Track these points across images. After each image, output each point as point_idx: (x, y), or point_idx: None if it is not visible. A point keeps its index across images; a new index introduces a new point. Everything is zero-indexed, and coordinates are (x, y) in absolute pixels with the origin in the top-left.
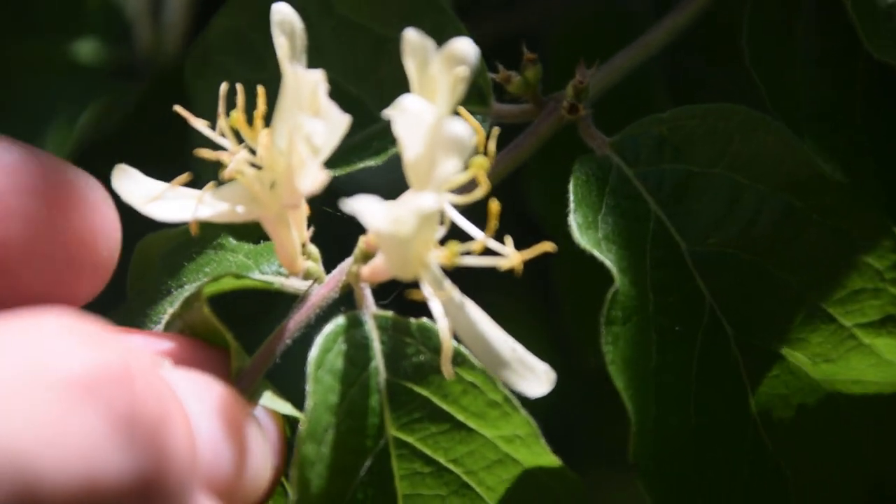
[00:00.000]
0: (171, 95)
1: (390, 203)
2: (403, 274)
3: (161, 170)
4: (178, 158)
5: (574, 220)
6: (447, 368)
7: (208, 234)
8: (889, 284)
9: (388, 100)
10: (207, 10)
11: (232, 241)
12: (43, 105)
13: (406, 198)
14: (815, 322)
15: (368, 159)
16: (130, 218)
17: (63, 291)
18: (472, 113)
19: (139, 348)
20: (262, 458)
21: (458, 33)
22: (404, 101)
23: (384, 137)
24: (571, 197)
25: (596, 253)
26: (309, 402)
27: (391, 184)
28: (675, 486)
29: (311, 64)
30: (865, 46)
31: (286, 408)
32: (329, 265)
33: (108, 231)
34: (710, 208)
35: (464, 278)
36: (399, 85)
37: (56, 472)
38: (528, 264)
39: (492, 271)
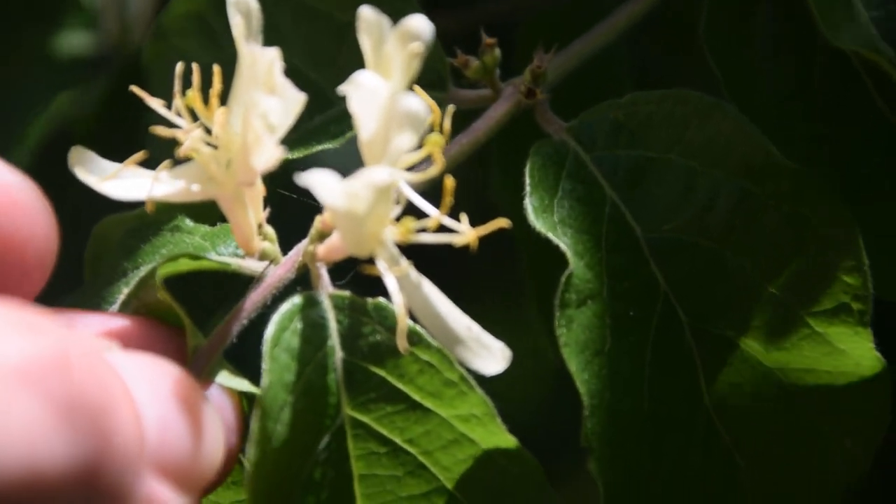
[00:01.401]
0: (137, 84)
1: (347, 178)
2: (359, 251)
3: (128, 154)
4: (147, 146)
5: (530, 203)
6: (402, 343)
7: (164, 216)
8: (843, 273)
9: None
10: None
11: (188, 222)
12: (12, 95)
13: (361, 173)
14: (768, 309)
15: (326, 142)
16: (91, 202)
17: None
18: (431, 97)
19: (82, 332)
20: (216, 438)
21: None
22: (359, 76)
23: (342, 121)
24: (528, 180)
25: (551, 236)
26: (265, 380)
27: (349, 168)
28: (626, 471)
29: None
30: (822, 33)
31: (244, 384)
32: (286, 247)
33: (40, 235)
34: (666, 194)
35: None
36: (355, 69)
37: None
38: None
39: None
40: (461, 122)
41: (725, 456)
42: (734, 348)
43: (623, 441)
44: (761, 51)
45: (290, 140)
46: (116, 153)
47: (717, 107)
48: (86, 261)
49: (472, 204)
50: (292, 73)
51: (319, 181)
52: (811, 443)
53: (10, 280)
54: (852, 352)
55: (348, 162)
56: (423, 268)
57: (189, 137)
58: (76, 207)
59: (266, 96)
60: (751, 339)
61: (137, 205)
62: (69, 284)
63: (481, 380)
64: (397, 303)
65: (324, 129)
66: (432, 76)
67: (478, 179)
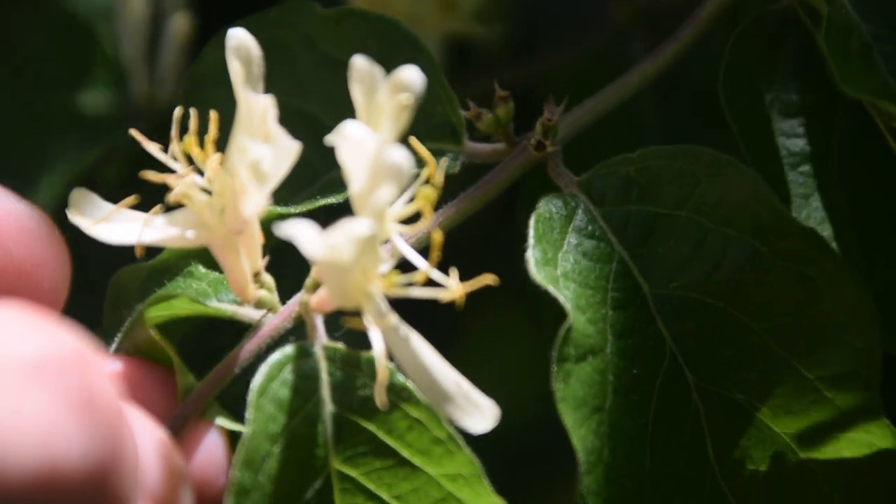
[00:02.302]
0: (168, 140)
1: (328, 229)
2: (344, 303)
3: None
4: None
5: (532, 256)
6: (381, 397)
7: (182, 262)
8: (853, 337)
9: None
10: None
11: (201, 269)
12: (43, 154)
13: (343, 223)
14: (778, 372)
15: (330, 196)
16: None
17: None
18: (444, 151)
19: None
20: (192, 492)
21: (435, 75)
22: (347, 127)
23: None
24: (531, 232)
25: (551, 289)
26: (248, 430)
27: None
28: None
29: (292, 97)
30: (839, 86)
31: (236, 426)
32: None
33: (52, 262)
34: (675, 251)
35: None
36: None
37: (16, 455)
38: None
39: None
40: (476, 175)
41: None
42: (742, 411)
43: (621, 500)
44: (780, 108)
45: (310, 192)
46: (144, 210)
47: (729, 163)
48: (105, 309)
49: (477, 256)
50: (312, 123)
51: (299, 232)
52: None
53: None
54: (861, 418)
55: None
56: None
57: (180, 183)
58: (104, 260)
59: (257, 144)
60: (760, 403)
61: (155, 254)
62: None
63: (480, 381)
64: (378, 356)
65: (342, 183)
66: (447, 129)
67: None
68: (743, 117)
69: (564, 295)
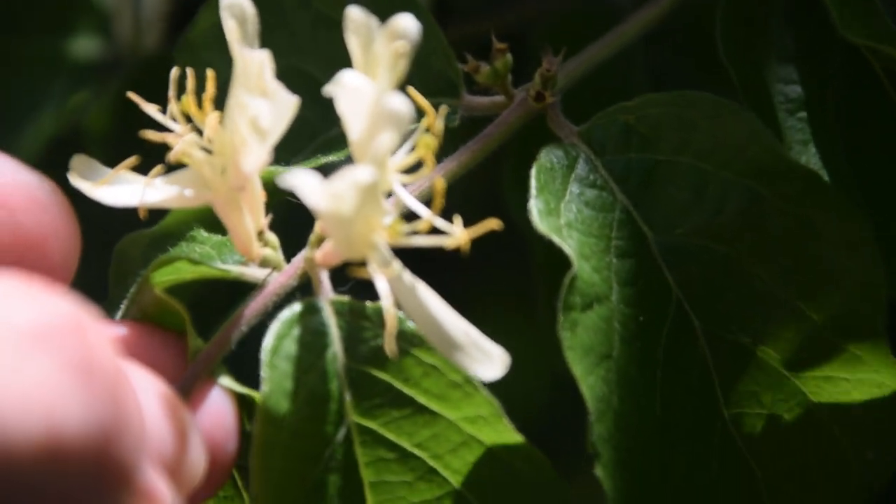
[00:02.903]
0: (151, 88)
1: (330, 178)
2: (350, 254)
3: (143, 164)
4: (159, 151)
5: (535, 206)
6: (391, 347)
7: (185, 227)
8: (855, 276)
9: None
10: (186, 5)
11: (203, 233)
12: (26, 99)
13: (345, 172)
14: (784, 316)
15: (331, 154)
16: (110, 220)
17: None
18: (443, 104)
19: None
20: (200, 447)
21: (431, 29)
22: (345, 76)
23: None
24: (533, 182)
25: (555, 238)
26: (265, 388)
27: None
28: (635, 478)
29: (288, 57)
30: (838, 30)
31: (242, 389)
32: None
33: (62, 232)
34: (677, 197)
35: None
36: None
37: (19, 422)
38: None
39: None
40: (475, 128)
41: (743, 466)
42: (750, 355)
43: (632, 447)
44: (777, 55)
45: (310, 151)
46: (128, 157)
47: (727, 107)
48: (110, 278)
49: (486, 208)
50: (310, 82)
51: (302, 182)
52: (831, 454)
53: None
54: (868, 358)
55: None
56: (425, 267)
57: (180, 142)
58: (87, 215)
59: (255, 99)
60: (767, 346)
61: (156, 220)
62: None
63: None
64: (386, 304)
65: (340, 141)
66: (444, 83)
67: (495, 184)
68: (740, 64)
69: (568, 244)
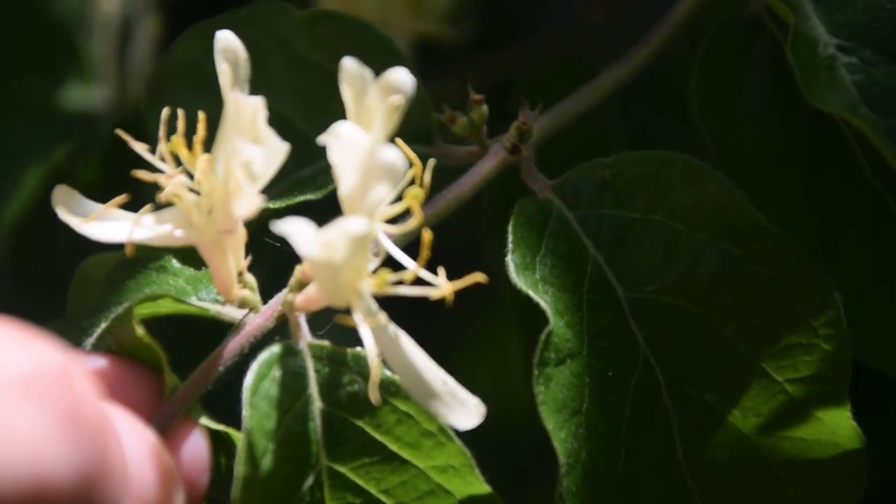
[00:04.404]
0: (139, 138)
1: (322, 228)
2: (335, 301)
3: (131, 206)
4: (146, 197)
5: (512, 261)
6: (374, 395)
7: (153, 254)
8: (822, 341)
9: None
10: None
11: (175, 263)
12: (13, 147)
13: (338, 222)
14: (747, 375)
15: (309, 193)
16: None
17: None
18: (417, 152)
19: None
20: (179, 497)
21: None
22: (340, 127)
23: (329, 173)
24: (510, 237)
25: (532, 294)
26: (246, 426)
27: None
28: None
29: (266, 98)
30: (807, 99)
31: (218, 426)
32: (270, 293)
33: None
34: (649, 255)
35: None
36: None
37: (5, 466)
38: None
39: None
40: (449, 177)
41: None
42: (711, 412)
43: (598, 499)
44: (749, 115)
45: (279, 190)
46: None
47: (702, 169)
48: (69, 297)
49: (463, 258)
50: (282, 122)
51: (295, 230)
52: None
53: None
54: (829, 420)
55: (330, 213)
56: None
57: (171, 183)
58: (74, 250)
59: (249, 145)
60: (728, 404)
61: (123, 245)
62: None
63: (473, 384)
64: (371, 355)
65: (311, 181)
66: (420, 131)
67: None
68: (714, 122)
69: (544, 299)
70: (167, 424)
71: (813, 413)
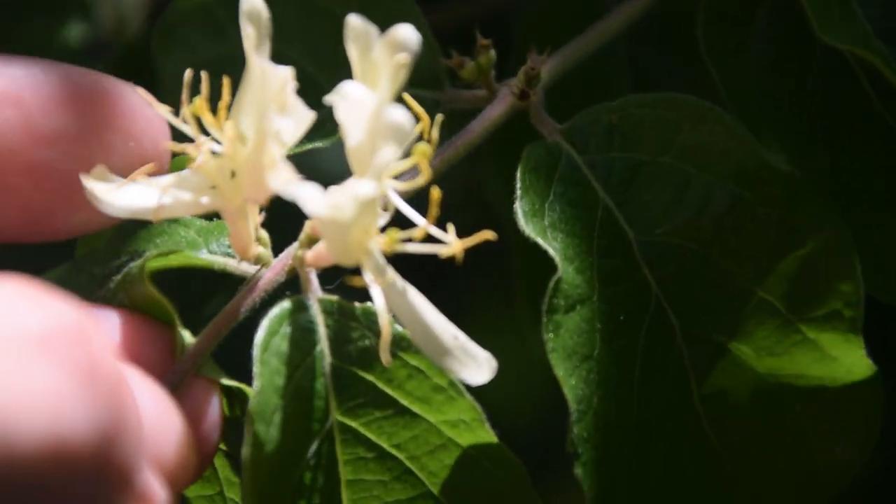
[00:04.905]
0: (135, 73)
1: (331, 189)
2: (345, 260)
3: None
4: None
5: (520, 208)
6: (385, 356)
7: None
8: (835, 279)
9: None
10: None
11: None
12: None
13: (346, 184)
14: (760, 315)
15: (317, 140)
16: None
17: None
18: (425, 97)
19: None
20: (191, 454)
21: (415, 18)
22: (345, 87)
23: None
24: (519, 184)
25: (540, 241)
26: (256, 384)
27: (336, 165)
28: (613, 476)
29: (275, 42)
30: (819, 35)
31: (230, 382)
32: (277, 246)
33: (153, 131)
34: (659, 198)
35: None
36: None
37: (24, 425)
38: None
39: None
40: (457, 122)
41: (714, 459)
42: (725, 353)
43: (610, 445)
44: (758, 54)
45: None
46: None
47: (711, 111)
48: (78, 239)
49: (469, 203)
50: (291, 66)
51: (305, 195)
52: (801, 448)
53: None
54: (843, 358)
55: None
56: (413, 268)
57: (201, 153)
58: None
59: (279, 116)
60: (742, 344)
61: None
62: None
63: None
64: (382, 314)
65: (320, 126)
66: (427, 76)
67: (476, 178)
68: (722, 62)
69: (553, 246)
70: (179, 382)
71: (827, 351)
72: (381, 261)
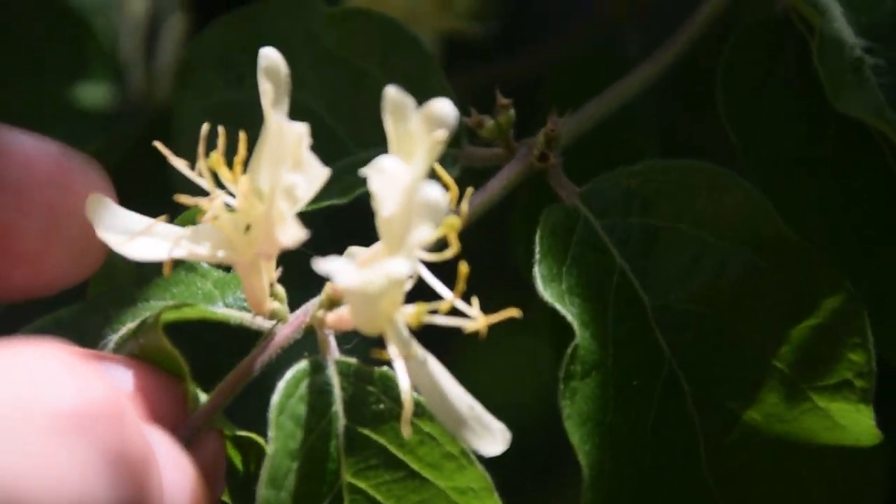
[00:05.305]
0: (166, 135)
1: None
2: (369, 330)
3: (152, 212)
4: (169, 200)
5: (539, 273)
6: (407, 430)
7: None
8: (847, 349)
9: (362, 132)
10: None
11: (204, 265)
12: None
13: (379, 264)
14: (772, 382)
15: (336, 197)
16: None
17: (77, 272)
18: (443, 154)
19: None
20: None
21: (437, 79)
22: (382, 161)
23: (355, 172)
24: (538, 248)
25: (559, 307)
26: (270, 448)
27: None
28: None
29: (292, 91)
30: (833, 103)
31: (243, 433)
32: (293, 303)
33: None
34: (675, 264)
35: None
36: (374, 119)
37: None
38: None
39: None
40: (475, 179)
41: None
42: (736, 419)
43: None
44: (776, 117)
45: None
46: (139, 205)
47: (729, 178)
48: (91, 279)
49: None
50: (309, 117)
51: (337, 270)
52: None
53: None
54: (852, 428)
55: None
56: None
57: (213, 207)
58: None
59: (292, 172)
60: (753, 411)
61: None
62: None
63: (480, 386)
64: (405, 389)
65: (336, 179)
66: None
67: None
68: (740, 124)
69: (570, 311)
70: (193, 438)
71: (837, 420)
72: (406, 333)
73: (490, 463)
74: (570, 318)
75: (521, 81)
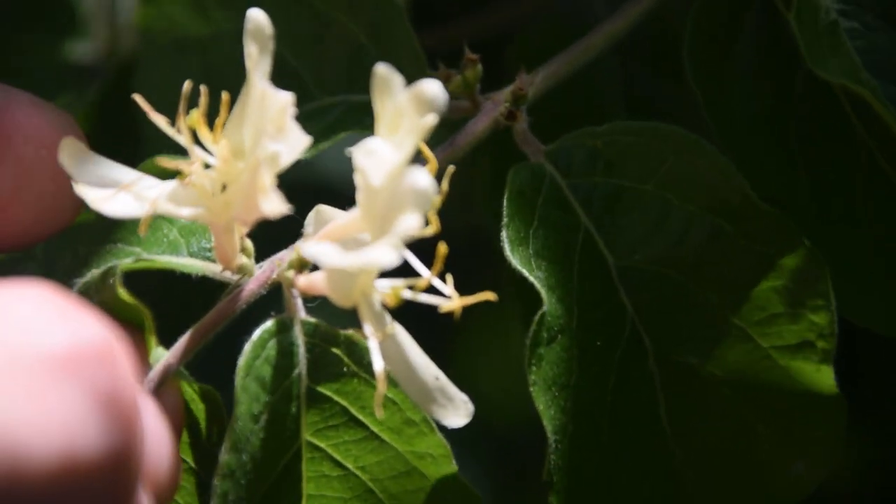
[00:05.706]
0: (129, 91)
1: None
2: (344, 303)
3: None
4: (134, 154)
5: (506, 236)
6: (378, 409)
7: None
8: (808, 311)
9: (327, 78)
10: None
11: None
12: None
13: (366, 250)
14: (732, 340)
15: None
16: None
17: (45, 227)
18: None
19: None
20: (178, 474)
21: (405, 33)
22: (370, 143)
23: (320, 119)
24: (505, 209)
25: (525, 273)
26: (235, 412)
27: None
28: (582, 500)
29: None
30: (804, 61)
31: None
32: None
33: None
34: (639, 224)
35: None
36: (339, 66)
37: (39, 446)
38: None
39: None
40: (443, 133)
41: (676, 477)
42: (696, 374)
43: (581, 470)
44: (742, 77)
45: None
46: (109, 156)
47: (696, 144)
48: None
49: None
50: (274, 59)
51: (323, 255)
52: (763, 466)
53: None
54: (812, 387)
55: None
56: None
57: (194, 171)
58: None
59: (275, 141)
60: (713, 367)
61: None
62: None
63: (474, 379)
64: (378, 368)
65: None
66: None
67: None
68: (707, 82)
69: (537, 276)
70: (153, 392)
71: (797, 378)
72: (379, 308)
73: (483, 459)
74: (537, 284)
75: (489, 39)
